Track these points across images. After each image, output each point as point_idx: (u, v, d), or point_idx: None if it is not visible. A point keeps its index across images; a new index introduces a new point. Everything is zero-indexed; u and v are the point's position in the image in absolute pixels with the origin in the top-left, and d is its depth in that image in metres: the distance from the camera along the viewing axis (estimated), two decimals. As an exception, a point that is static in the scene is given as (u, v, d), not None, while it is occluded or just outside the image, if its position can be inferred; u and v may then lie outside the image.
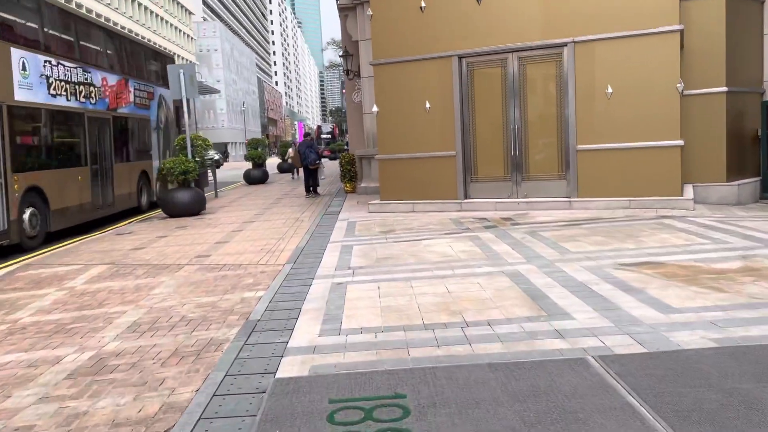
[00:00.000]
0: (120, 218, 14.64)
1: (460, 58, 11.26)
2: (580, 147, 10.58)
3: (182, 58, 76.16)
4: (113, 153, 14.13)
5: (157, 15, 68.06)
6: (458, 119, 11.32)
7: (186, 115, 14.73)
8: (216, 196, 19.17)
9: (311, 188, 17.09)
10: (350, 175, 17.13)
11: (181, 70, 14.31)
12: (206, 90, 77.76)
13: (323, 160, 19.37)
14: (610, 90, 10.31)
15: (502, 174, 11.28)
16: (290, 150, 25.88)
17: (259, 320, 5.15)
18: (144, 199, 15.93)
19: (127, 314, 5.79)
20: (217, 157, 42.30)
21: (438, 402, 3.27)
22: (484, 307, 5.12)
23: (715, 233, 7.88)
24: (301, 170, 21.01)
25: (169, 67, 14.79)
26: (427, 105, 11.49)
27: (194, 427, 3.22)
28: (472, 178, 11.49)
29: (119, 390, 3.92)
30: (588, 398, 3.22)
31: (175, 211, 13.83)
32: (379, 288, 5.97)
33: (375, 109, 12.03)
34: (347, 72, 17.33)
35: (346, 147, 56.42)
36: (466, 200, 11.40)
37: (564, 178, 10.87)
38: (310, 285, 6.30)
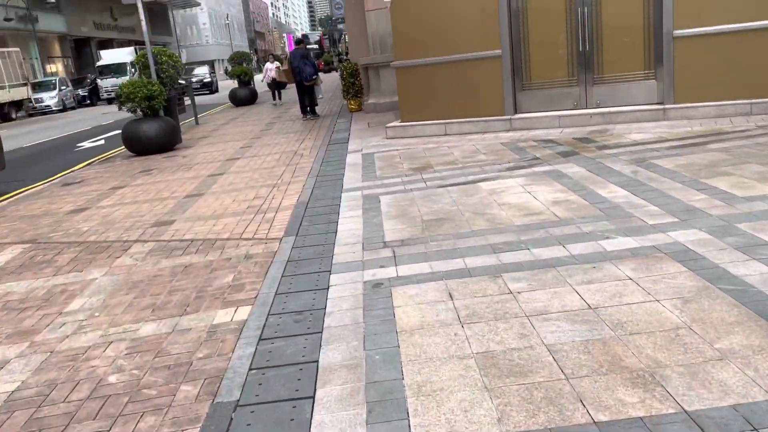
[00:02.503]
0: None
1: None
2: (679, 32, 7.62)
3: (156, -32, 70.05)
4: None
5: None
6: (504, 5, 8.29)
7: (144, 24, 11.59)
8: (196, 123, 16.23)
9: (308, 108, 14.13)
10: (354, 89, 14.13)
11: (131, -36, 11.07)
12: (185, 2, 72.24)
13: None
14: (724, -53, 7.25)
15: (565, 76, 8.38)
16: (267, 65, 19.68)
17: (237, 405, 2.57)
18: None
19: (5, 370, 3.21)
20: (208, 78, 38.20)
21: None
22: (695, 357, 2.50)
23: None
24: (288, 90, 17.94)
25: (114, -40, 11.50)
26: (460, -12, 8.43)
27: None
28: (524, 84, 8.59)
29: None
30: None
31: (140, 148, 11.03)
32: (451, 297, 3.34)
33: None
34: (343, -41, 13.90)
35: (343, 56, 52.07)
36: (517, 115, 8.57)
37: (653, 77, 7.98)
38: (327, 289, 3.67)
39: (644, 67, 8.00)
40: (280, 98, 19.82)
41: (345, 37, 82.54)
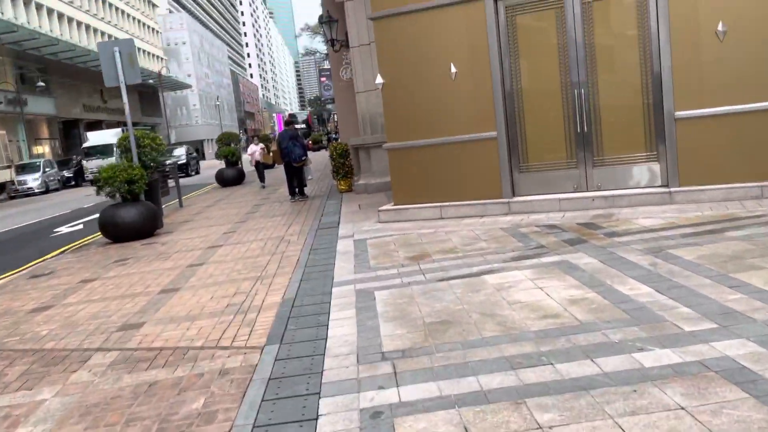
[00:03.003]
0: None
1: (496, 0, 7.99)
2: (681, 113, 7.37)
3: (148, 53, 71.89)
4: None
5: (117, 8, 63.69)
6: (498, 86, 8.07)
7: (126, 107, 11.30)
8: (180, 205, 15.77)
9: (297, 189, 13.75)
10: (344, 170, 13.83)
11: (116, 48, 10.89)
12: (176, 85, 73.69)
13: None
14: (721, 28, 7.10)
15: (564, 158, 8.05)
16: (252, 146, 19.30)
17: None
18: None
19: None
20: (183, 160, 37.43)
21: None
22: None
23: None
24: (274, 171, 17.63)
25: (99, 44, 11.34)
26: (453, 70, 8.22)
27: None
28: (522, 166, 8.25)
29: None
30: None
31: (117, 235, 10.47)
32: (468, 434, 2.74)
33: (379, 80, 8.73)
34: (332, 42, 13.96)
35: (333, 136, 52.43)
36: (515, 198, 8.17)
37: (656, 159, 7.67)
38: (316, 420, 3.06)
39: (646, 149, 7.69)
40: (263, 181, 19.02)
41: (334, 117, 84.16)
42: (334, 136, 58.42)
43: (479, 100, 8.20)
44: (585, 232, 6.51)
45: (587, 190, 7.96)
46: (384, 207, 9.04)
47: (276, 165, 19.22)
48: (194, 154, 39.87)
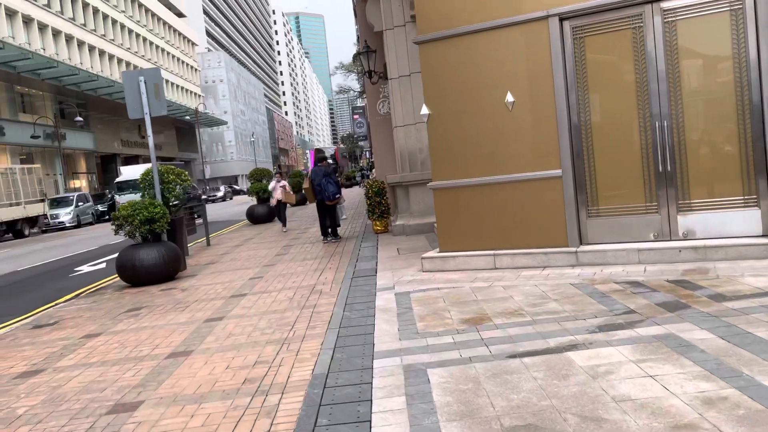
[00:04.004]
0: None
1: (562, 19, 6.98)
2: (788, 150, 6.19)
3: (186, 90, 73.07)
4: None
5: (158, 47, 65.01)
6: (563, 117, 7.01)
7: (150, 140, 10.54)
8: (208, 244, 14.93)
9: (330, 230, 12.78)
10: (380, 209, 12.83)
11: (142, 78, 10.20)
12: (213, 121, 74.56)
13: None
14: (838, 49, 5.95)
15: (642, 201, 6.90)
16: (273, 182, 16.80)
17: None
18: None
19: None
20: (221, 193, 37.48)
21: None
22: None
23: None
24: (305, 209, 16.35)
25: (123, 74, 10.68)
26: (509, 99, 7.21)
27: None
28: (591, 210, 7.12)
29: None
30: None
31: (135, 279, 9.59)
32: None
33: (424, 111, 7.75)
34: (369, 74, 13.13)
35: (366, 172, 51.68)
36: (584, 247, 7.01)
37: (756, 204, 6.46)
38: None
39: (743, 192, 6.49)
40: (284, 224, 16.48)
41: (365, 154, 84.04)
42: (366, 172, 57.91)
43: (541, 134, 7.15)
44: (682, 293, 5.31)
45: (671, 239, 6.76)
46: (428, 254, 7.96)
47: (308, 203, 18.19)
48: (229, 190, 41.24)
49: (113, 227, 9.83)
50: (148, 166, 10.91)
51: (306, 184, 12.50)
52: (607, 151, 7.00)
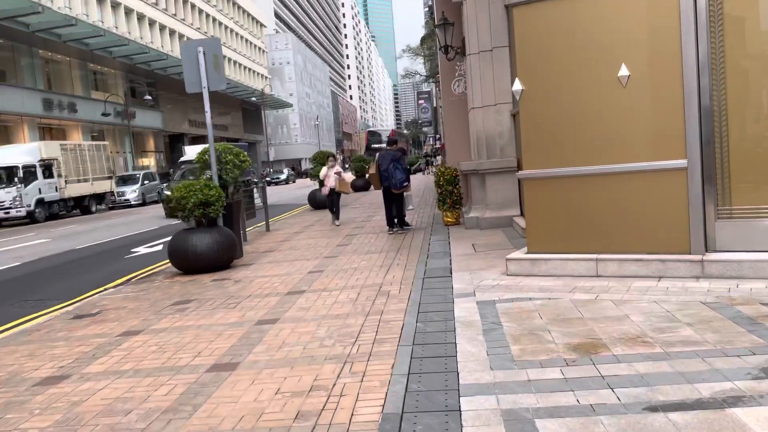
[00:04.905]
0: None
1: (696, -27, 5.67)
2: None
3: (254, 71, 73.50)
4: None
5: (227, 27, 65.46)
6: (692, 97, 5.72)
7: (208, 116, 9.78)
8: (267, 229, 14.23)
9: (398, 220, 11.79)
10: (452, 199, 11.73)
11: (201, 48, 9.44)
12: (279, 104, 74.82)
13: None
14: None
15: (791, 203, 5.56)
16: (325, 169, 14.54)
17: None
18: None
19: None
20: (284, 176, 37.06)
21: None
22: None
23: None
24: (368, 196, 14.86)
25: (182, 45, 9.95)
26: (623, 72, 5.96)
27: None
28: (722, 210, 5.81)
29: None
30: None
31: (187, 265, 8.89)
32: None
33: (517, 86, 6.59)
34: (445, 49, 11.97)
35: (430, 158, 49.95)
36: (711, 255, 5.73)
37: None
38: None
39: None
40: (337, 217, 14.25)
41: (429, 139, 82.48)
42: (431, 159, 56.06)
43: (662, 115, 5.88)
44: None
45: (829, 251, 5.41)
46: (514, 254, 6.83)
47: (373, 189, 17.11)
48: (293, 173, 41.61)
49: (166, 209, 9.16)
50: (206, 145, 10.16)
51: (372, 169, 11.52)
52: (748, 137, 5.68)
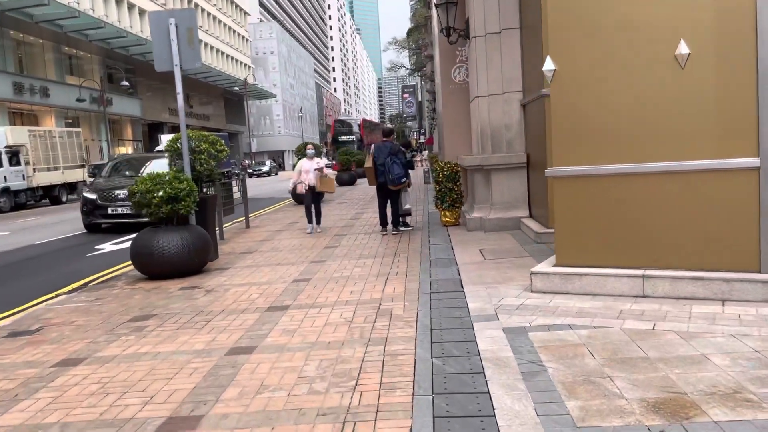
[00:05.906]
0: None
1: (780, -71, 4.61)
2: None
3: (237, 60, 71.79)
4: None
5: (209, 14, 63.67)
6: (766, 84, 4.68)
7: (180, 98, 8.55)
8: (247, 226, 13.03)
9: (397, 219, 10.65)
10: (452, 197, 10.64)
11: (172, 20, 8.21)
12: (262, 94, 73.13)
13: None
14: None
15: None
16: (304, 161, 11.34)
17: None
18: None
19: None
20: (266, 168, 35.25)
21: None
22: None
23: None
24: (357, 189, 13.66)
25: (150, 14, 8.69)
26: (682, 50, 4.90)
27: None
28: (801, 221, 4.79)
29: None
30: None
31: (153, 269, 7.70)
32: None
33: (548, 66, 5.49)
34: (447, 31, 10.84)
35: (415, 152, 47.91)
36: (788, 276, 4.71)
37: None
38: None
39: None
40: (318, 221, 11.39)
41: (413, 134, 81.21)
42: (414, 152, 54.08)
43: (729, 103, 4.83)
44: None
45: None
46: (540, 268, 5.75)
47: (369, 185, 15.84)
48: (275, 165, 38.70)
49: (132, 204, 7.96)
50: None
51: (368, 163, 10.36)
52: (837, 133, 4.64)
